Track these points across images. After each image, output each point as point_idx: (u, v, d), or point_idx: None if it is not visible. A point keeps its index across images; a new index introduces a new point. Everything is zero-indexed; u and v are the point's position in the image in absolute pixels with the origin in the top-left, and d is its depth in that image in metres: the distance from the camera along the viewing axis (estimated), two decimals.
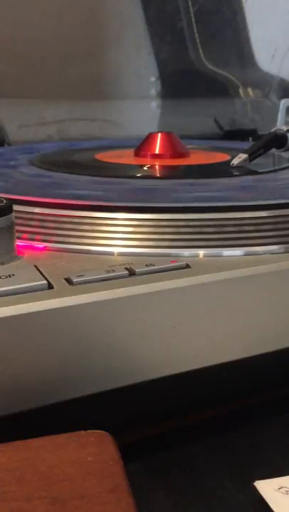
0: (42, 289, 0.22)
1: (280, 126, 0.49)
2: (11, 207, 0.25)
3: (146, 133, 0.46)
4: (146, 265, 0.24)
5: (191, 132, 0.66)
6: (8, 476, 0.17)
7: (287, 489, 0.22)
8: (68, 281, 0.23)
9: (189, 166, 0.43)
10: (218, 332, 0.25)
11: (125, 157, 0.45)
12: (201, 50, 0.74)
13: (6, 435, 0.19)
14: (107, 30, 0.68)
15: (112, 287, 0.23)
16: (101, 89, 0.70)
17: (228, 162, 0.42)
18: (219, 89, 0.75)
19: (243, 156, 0.41)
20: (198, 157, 0.46)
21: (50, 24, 0.64)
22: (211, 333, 0.25)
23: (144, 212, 0.27)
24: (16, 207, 0.26)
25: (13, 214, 0.25)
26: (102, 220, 0.27)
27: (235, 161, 0.41)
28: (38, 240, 0.27)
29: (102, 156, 0.46)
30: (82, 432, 0.19)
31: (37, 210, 0.28)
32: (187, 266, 0.25)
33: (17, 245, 0.26)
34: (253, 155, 0.42)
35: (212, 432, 0.27)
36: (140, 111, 0.72)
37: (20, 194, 0.30)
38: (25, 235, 0.28)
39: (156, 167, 0.42)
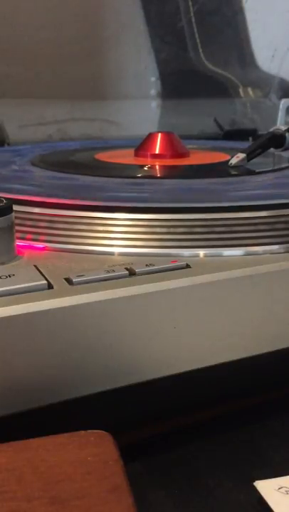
0: (42, 289, 0.22)
1: (279, 126, 0.49)
2: (11, 207, 0.25)
3: (147, 133, 0.46)
4: (146, 265, 0.24)
5: (191, 132, 0.66)
6: (8, 476, 0.17)
7: (287, 489, 0.22)
8: (68, 281, 0.23)
9: (189, 166, 0.43)
10: (218, 332, 0.25)
11: (125, 157, 0.45)
12: (201, 50, 0.74)
13: (6, 435, 0.19)
14: (107, 30, 0.68)
15: (112, 287, 0.23)
16: (101, 89, 0.70)
17: (227, 162, 0.42)
18: (219, 89, 0.76)
19: (241, 155, 0.41)
20: (198, 157, 0.46)
21: (50, 24, 0.64)
22: (211, 333, 0.25)
23: (144, 213, 0.27)
24: (16, 207, 0.26)
25: (13, 214, 0.25)
26: (103, 220, 0.27)
27: (233, 161, 0.40)
28: (38, 240, 0.27)
29: (102, 156, 0.46)
30: (82, 432, 0.19)
31: (37, 210, 0.28)
32: (187, 266, 0.25)
33: (17, 245, 0.26)
34: (251, 155, 0.41)
35: (212, 432, 0.27)
36: (140, 111, 0.72)
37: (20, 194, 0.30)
38: (26, 235, 0.27)
39: (157, 167, 0.42)
